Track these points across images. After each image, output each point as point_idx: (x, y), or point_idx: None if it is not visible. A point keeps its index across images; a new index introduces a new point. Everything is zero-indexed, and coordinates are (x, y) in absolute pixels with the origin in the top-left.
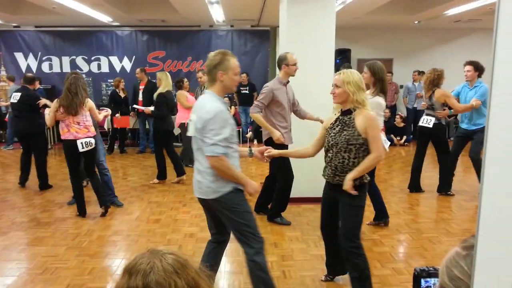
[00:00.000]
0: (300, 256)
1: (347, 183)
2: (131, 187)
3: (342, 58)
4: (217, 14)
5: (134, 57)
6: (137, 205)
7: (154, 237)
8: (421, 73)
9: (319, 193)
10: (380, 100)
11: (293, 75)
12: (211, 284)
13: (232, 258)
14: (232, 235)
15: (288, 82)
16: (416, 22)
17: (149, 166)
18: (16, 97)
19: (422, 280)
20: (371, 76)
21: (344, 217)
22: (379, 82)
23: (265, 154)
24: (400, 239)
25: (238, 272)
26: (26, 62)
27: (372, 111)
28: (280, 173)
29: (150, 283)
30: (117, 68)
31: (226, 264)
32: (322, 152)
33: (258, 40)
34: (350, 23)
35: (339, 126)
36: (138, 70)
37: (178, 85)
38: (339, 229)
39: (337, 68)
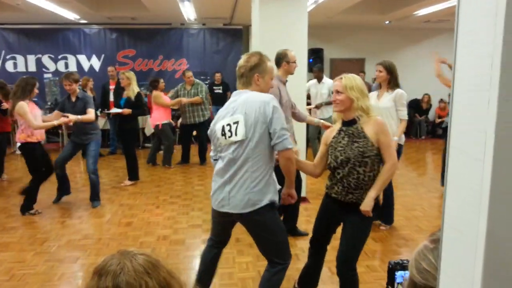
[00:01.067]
0: None
1: (369, 204)
2: (102, 189)
3: (315, 57)
4: (189, 12)
5: (103, 55)
6: (108, 207)
7: (126, 240)
8: None
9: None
10: (402, 91)
11: (293, 73)
12: (183, 285)
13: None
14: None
15: (286, 81)
16: (387, 22)
17: (120, 167)
18: None
19: (396, 273)
20: (388, 74)
21: (350, 239)
22: (395, 79)
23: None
24: (374, 237)
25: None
26: None
27: (398, 102)
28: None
29: (120, 283)
30: (86, 67)
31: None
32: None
33: (231, 39)
34: (323, 23)
35: (346, 139)
36: (112, 68)
37: (153, 85)
38: (340, 252)
39: (310, 68)
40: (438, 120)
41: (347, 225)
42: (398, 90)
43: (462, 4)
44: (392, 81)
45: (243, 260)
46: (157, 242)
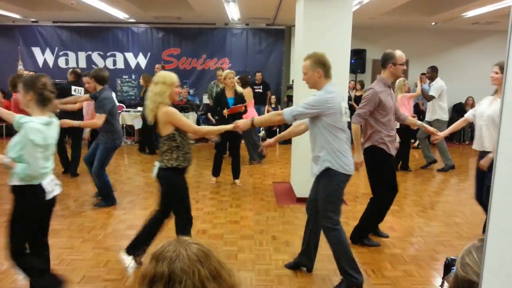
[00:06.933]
0: None
1: None
2: (146, 182)
3: (357, 58)
4: (233, 12)
5: (149, 53)
6: (152, 200)
7: (168, 232)
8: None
9: None
10: None
11: (400, 76)
12: (232, 275)
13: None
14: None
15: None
16: (433, 23)
17: None
18: None
19: (453, 268)
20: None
21: None
22: None
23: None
24: (412, 242)
25: (250, 269)
26: (43, 57)
27: None
28: (379, 188)
29: (175, 269)
30: (132, 64)
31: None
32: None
33: (273, 39)
34: (366, 23)
35: None
36: (159, 65)
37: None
38: None
39: (352, 69)
40: None
41: None
42: None
43: None
44: None
45: (279, 258)
46: (197, 235)
